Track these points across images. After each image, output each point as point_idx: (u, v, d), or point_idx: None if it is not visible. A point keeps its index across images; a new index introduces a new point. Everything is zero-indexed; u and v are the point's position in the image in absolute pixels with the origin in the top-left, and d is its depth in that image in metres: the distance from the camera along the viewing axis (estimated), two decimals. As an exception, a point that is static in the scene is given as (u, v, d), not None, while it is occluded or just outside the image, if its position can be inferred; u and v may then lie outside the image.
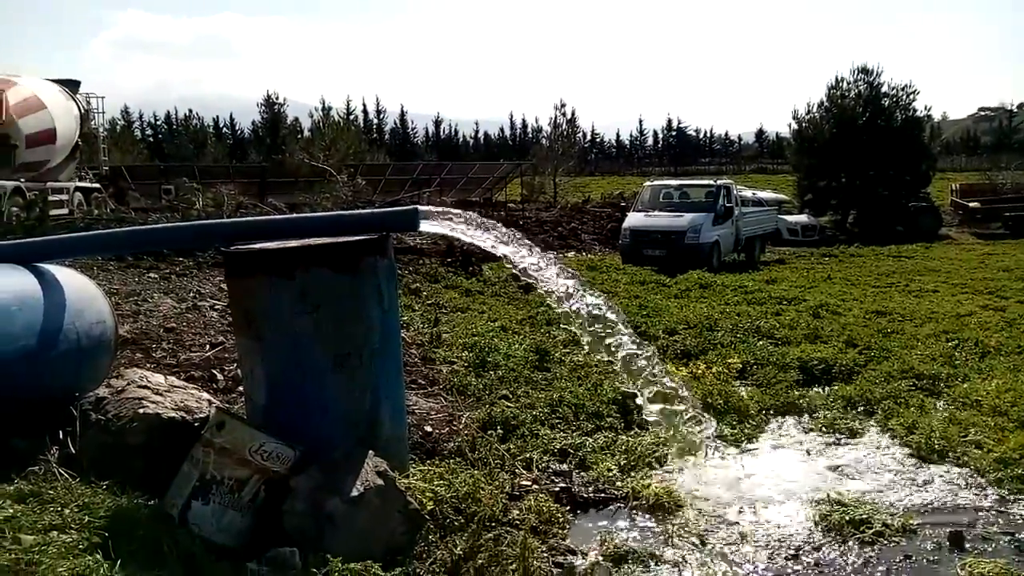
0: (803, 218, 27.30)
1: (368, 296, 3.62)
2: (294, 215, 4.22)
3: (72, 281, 3.86)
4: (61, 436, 3.53)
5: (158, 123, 78.59)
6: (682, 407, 4.37)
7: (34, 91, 17.64)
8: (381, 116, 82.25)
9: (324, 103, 47.45)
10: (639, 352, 4.32)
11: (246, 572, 2.88)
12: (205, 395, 3.92)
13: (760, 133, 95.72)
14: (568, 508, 3.77)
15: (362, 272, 3.60)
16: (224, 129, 78.05)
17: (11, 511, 2.73)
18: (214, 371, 4.92)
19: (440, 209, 3.91)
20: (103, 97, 22.68)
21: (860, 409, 5.68)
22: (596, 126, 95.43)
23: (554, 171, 39.18)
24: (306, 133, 47.96)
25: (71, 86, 20.12)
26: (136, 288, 8.44)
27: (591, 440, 4.55)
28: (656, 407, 4.54)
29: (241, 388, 4.51)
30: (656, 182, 20.67)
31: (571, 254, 24.54)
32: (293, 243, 3.69)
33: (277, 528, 3.13)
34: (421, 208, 3.80)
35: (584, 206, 32.48)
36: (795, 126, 31.21)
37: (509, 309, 10.99)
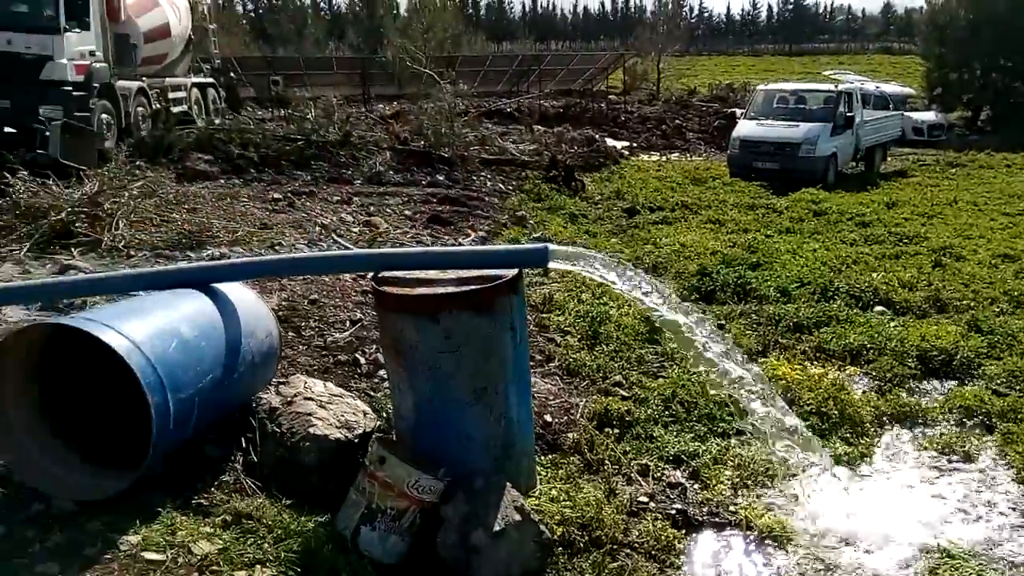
0: (930, 115, 25.42)
1: (503, 334, 3.93)
2: (436, 249, 4.50)
3: (244, 301, 4.32)
4: (244, 444, 4.13)
5: (259, -1, 79.04)
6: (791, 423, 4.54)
7: (144, -13, 17.94)
8: (477, -10, 79.71)
9: (421, -25, 46.35)
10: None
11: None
12: (361, 405, 4.41)
13: (887, 7, 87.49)
14: (683, 532, 4.11)
15: (497, 311, 3.90)
16: (321, 4, 77.81)
17: (222, 542, 3.30)
18: (357, 355, 5.43)
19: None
20: (206, -15, 22.97)
21: (978, 420, 5.22)
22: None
23: (658, 56, 37.49)
24: (403, 13, 47.19)
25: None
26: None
27: (704, 447, 4.81)
28: (762, 411, 4.68)
29: (381, 373, 5.04)
30: (771, 86, 19.64)
31: (675, 155, 23.99)
32: (433, 275, 4.04)
33: (429, 550, 3.66)
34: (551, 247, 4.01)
35: (689, 99, 31.27)
36: (927, 7, 28.47)
37: (612, 242, 11.10)
